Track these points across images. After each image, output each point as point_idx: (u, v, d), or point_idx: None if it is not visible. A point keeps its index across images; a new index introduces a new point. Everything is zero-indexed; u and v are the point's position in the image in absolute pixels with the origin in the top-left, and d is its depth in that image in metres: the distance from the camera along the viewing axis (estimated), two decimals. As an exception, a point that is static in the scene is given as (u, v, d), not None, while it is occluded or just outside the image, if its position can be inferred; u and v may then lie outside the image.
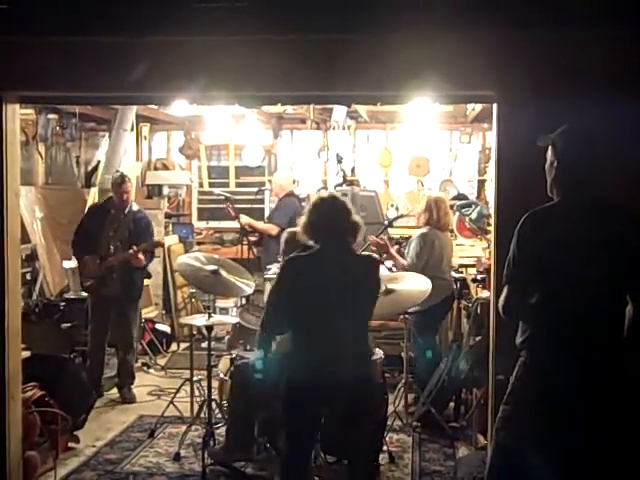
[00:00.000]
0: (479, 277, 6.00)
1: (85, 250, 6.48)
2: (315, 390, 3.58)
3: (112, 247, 6.45)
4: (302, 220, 3.80)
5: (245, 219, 8.22)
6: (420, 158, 9.64)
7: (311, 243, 3.77)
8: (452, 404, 5.91)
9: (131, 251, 6.34)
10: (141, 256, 6.42)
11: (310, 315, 3.64)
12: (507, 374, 3.15)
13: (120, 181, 6.51)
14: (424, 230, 6.15)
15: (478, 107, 7.97)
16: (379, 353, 4.87)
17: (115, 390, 6.64)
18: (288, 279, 3.65)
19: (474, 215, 7.55)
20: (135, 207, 6.65)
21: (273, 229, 7.91)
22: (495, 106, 3.92)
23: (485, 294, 5.25)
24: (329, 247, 3.70)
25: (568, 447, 2.88)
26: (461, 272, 6.90)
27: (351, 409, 3.69)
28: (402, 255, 6.28)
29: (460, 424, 5.76)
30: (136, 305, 6.74)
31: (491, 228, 5.97)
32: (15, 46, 4.06)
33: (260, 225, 8.29)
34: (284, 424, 3.81)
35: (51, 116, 8.45)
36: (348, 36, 3.90)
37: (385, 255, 6.20)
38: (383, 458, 5.04)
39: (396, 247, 6.64)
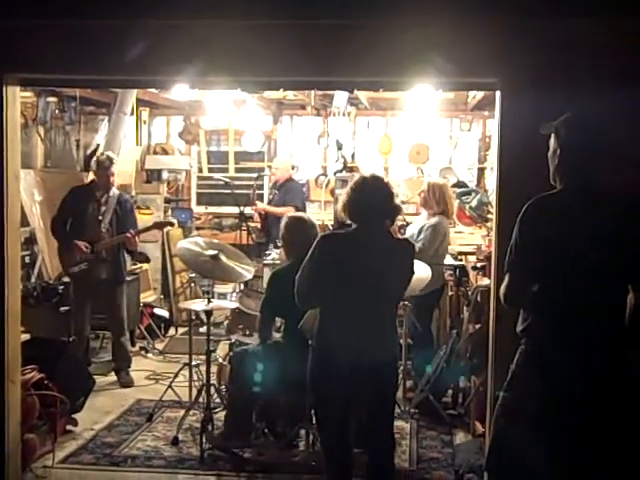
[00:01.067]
0: (479, 265, 5.99)
1: (70, 233, 6.40)
2: (343, 368, 3.58)
3: (103, 229, 6.44)
4: (342, 198, 3.77)
5: (261, 205, 8.25)
6: (420, 145, 9.63)
7: (348, 222, 3.77)
8: (450, 391, 5.92)
9: (128, 234, 6.36)
10: (138, 239, 6.46)
11: (341, 293, 3.62)
12: (507, 362, 3.16)
13: (108, 163, 6.47)
14: (438, 219, 6.14)
15: (479, 95, 7.96)
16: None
17: (113, 374, 6.64)
18: (320, 256, 3.61)
19: (474, 203, 7.55)
20: (116, 190, 6.63)
21: (291, 211, 7.89)
22: (498, 93, 3.91)
23: (485, 282, 5.24)
24: (366, 228, 3.68)
25: (567, 437, 2.89)
26: (461, 260, 6.91)
27: (378, 389, 3.72)
28: None
29: (458, 411, 5.78)
30: (123, 287, 6.72)
31: (491, 216, 5.98)
32: (16, 29, 4.04)
33: (278, 210, 8.22)
34: (315, 405, 3.86)
35: (50, 99, 8.42)
36: (350, 21, 3.89)
37: None
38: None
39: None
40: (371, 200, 3.71)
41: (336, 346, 3.62)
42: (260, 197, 9.51)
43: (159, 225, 7.03)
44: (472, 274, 6.29)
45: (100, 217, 6.45)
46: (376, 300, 3.67)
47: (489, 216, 7.11)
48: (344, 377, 3.62)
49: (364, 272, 3.60)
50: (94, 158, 6.69)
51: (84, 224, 6.42)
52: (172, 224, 7.25)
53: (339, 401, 3.72)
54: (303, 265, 3.68)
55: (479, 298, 5.19)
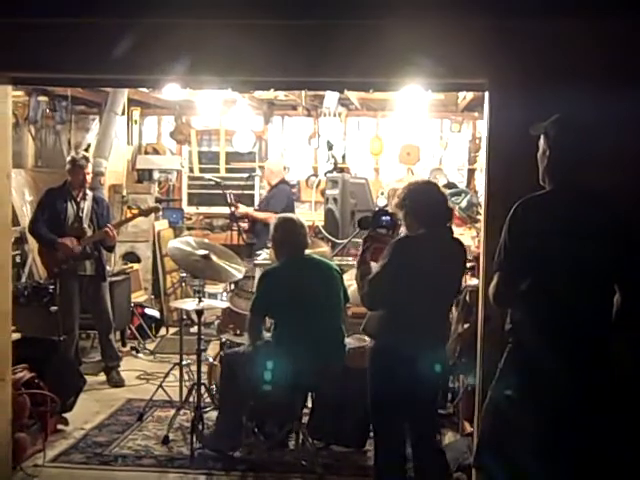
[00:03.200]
0: (468, 265, 6.00)
1: (53, 233, 6.42)
2: (411, 364, 3.67)
3: (85, 226, 6.49)
4: (406, 205, 3.85)
5: (243, 209, 8.23)
6: (410, 146, 9.65)
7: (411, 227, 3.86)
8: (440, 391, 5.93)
9: (106, 229, 6.42)
10: (116, 232, 6.55)
11: (414, 293, 3.70)
12: (495, 361, 3.18)
13: (85, 162, 6.54)
14: None
15: (469, 96, 7.98)
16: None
17: (103, 374, 6.64)
18: (398, 259, 3.69)
19: (464, 204, 7.56)
20: (89, 190, 6.70)
21: (273, 218, 7.92)
22: (487, 94, 3.93)
23: (474, 282, 5.27)
24: (434, 231, 3.81)
25: (554, 434, 2.92)
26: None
27: (432, 385, 3.93)
28: None
29: (447, 411, 5.79)
30: (107, 284, 6.76)
31: (480, 217, 5.99)
32: (7, 28, 4.04)
33: (260, 215, 8.25)
34: (373, 395, 3.88)
35: (42, 98, 8.43)
36: (340, 21, 3.90)
37: None
38: (370, 444, 5.05)
39: None
40: (436, 204, 3.86)
41: (407, 344, 3.69)
42: (251, 198, 9.54)
43: (145, 212, 7.03)
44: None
45: (80, 214, 6.51)
46: (441, 298, 3.89)
47: (478, 217, 7.13)
48: (411, 373, 3.69)
49: (435, 272, 3.72)
50: (69, 157, 6.73)
51: (65, 223, 6.47)
52: (158, 209, 7.25)
53: (400, 401, 3.80)
54: (380, 267, 3.73)
55: (468, 298, 5.20)
